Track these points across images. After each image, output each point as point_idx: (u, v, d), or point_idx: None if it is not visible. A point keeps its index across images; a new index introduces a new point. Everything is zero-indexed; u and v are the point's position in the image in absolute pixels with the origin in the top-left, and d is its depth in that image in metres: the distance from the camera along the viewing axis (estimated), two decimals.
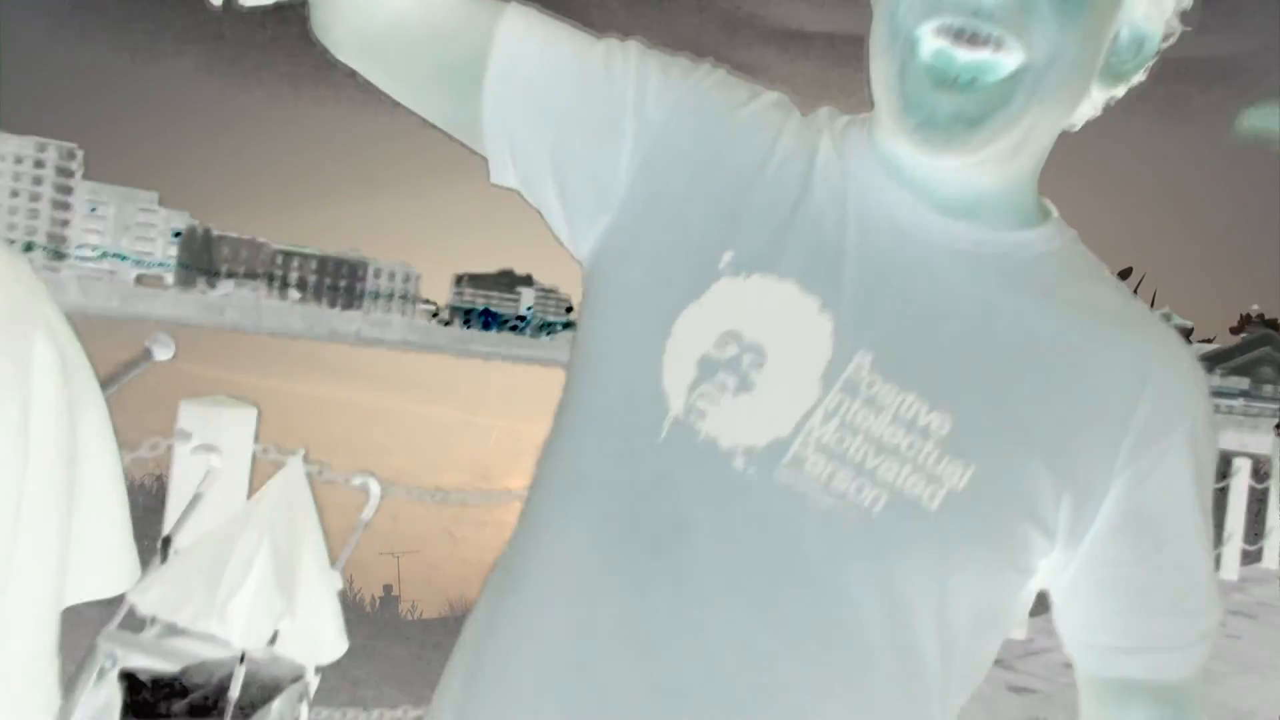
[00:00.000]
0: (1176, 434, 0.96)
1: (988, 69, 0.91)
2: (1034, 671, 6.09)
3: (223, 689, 2.79)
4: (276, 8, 0.89)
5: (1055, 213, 1.04)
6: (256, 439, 3.78)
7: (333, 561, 3.11)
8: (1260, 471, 11.40)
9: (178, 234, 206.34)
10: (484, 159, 1.07)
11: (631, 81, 1.02)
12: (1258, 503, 11.26)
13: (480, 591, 1.07)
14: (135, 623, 2.96)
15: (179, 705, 2.80)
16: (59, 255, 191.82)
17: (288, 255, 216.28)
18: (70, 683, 2.81)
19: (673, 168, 1.01)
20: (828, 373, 0.93)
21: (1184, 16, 1.01)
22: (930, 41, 0.91)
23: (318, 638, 2.93)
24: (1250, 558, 11.04)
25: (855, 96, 1.00)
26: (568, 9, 0.97)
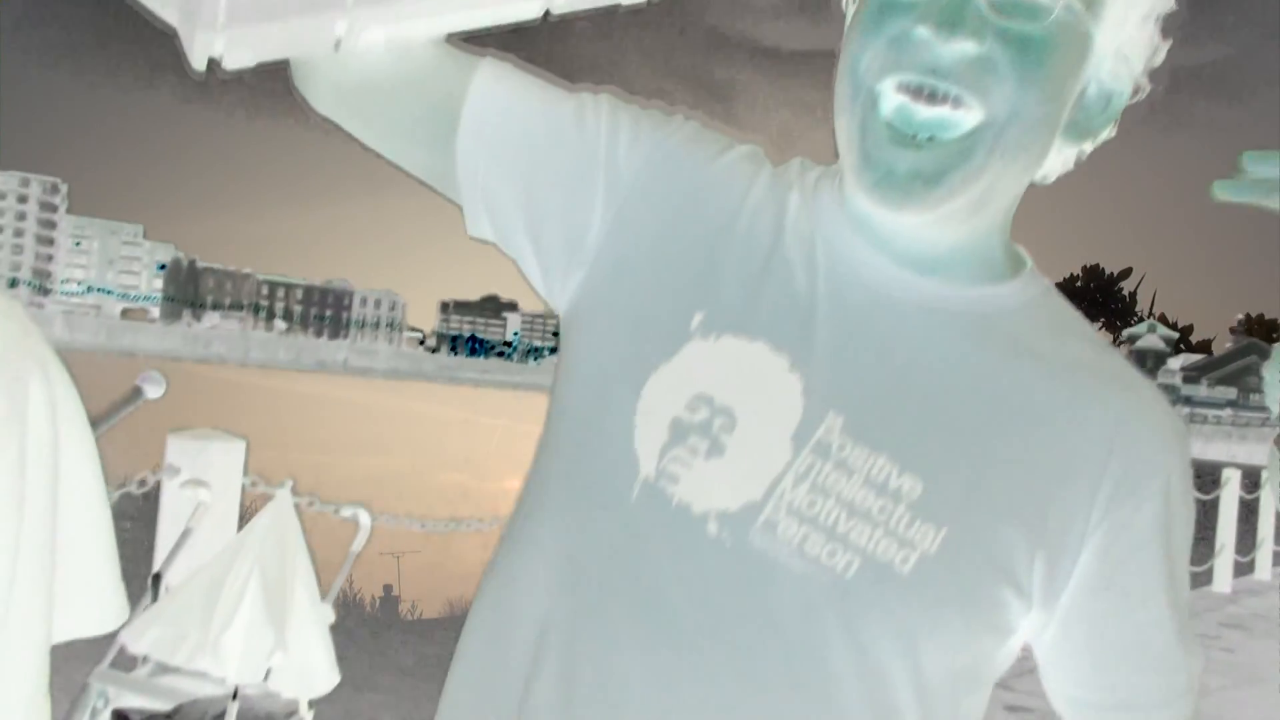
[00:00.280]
0: (1151, 489, 0.96)
1: (947, 126, 0.91)
2: (1032, 690, 6.07)
3: None
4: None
5: (1029, 263, 1.04)
6: (245, 471, 3.77)
7: (323, 594, 3.09)
8: (1250, 481, 11.42)
9: (163, 267, 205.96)
10: None
11: (603, 136, 1.02)
12: (1249, 513, 11.28)
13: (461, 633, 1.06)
14: (127, 661, 2.94)
15: None
16: (44, 291, 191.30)
17: (273, 286, 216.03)
18: None
19: (645, 223, 1.02)
20: (799, 433, 0.93)
21: (1169, 25, 1.00)
22: (891, 98, 0.91)
23: (311, 671, 2.91)
24: (1242, 569, 11.06)
25: (827, 113, 1.00)
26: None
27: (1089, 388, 0.98)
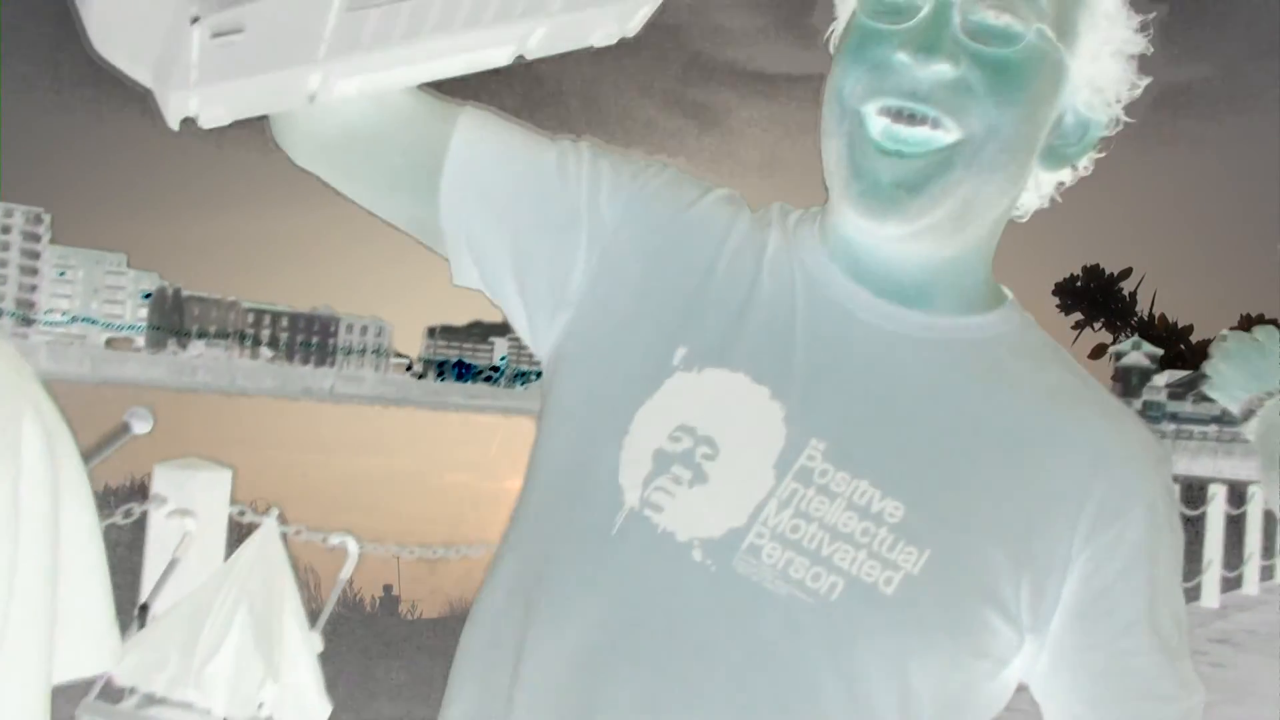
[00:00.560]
0: (1134, 513, 0.97)
1: (927, 143, 0.94)
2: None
3: None
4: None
5: (1010, 297, 1.06)
6: (232, 500, 3.76)
7: (312, 623, 3.08)
8: (1237, 496, 11.46)
9: (147, 295, 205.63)
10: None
11: (585, 184, 1.05)
12: (1235, 529, 11.31)
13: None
14: (114, 693, 2.92)
15: None
16: (27, 321, 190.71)
17: (259, 313, 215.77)
18: None
19: (626, 267, 1.04)
20: (780, 461, 0.95)
21: (1147, 46, 1.03)
22: (875, 120, 0.94)
23: (302, 702, 2.90)
24: (1230, 584, 11.08)
25: (812, 134, 1.03)
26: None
27: (1070, 413, 0.99)
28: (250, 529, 3.27)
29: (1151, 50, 1.03)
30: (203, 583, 2.98)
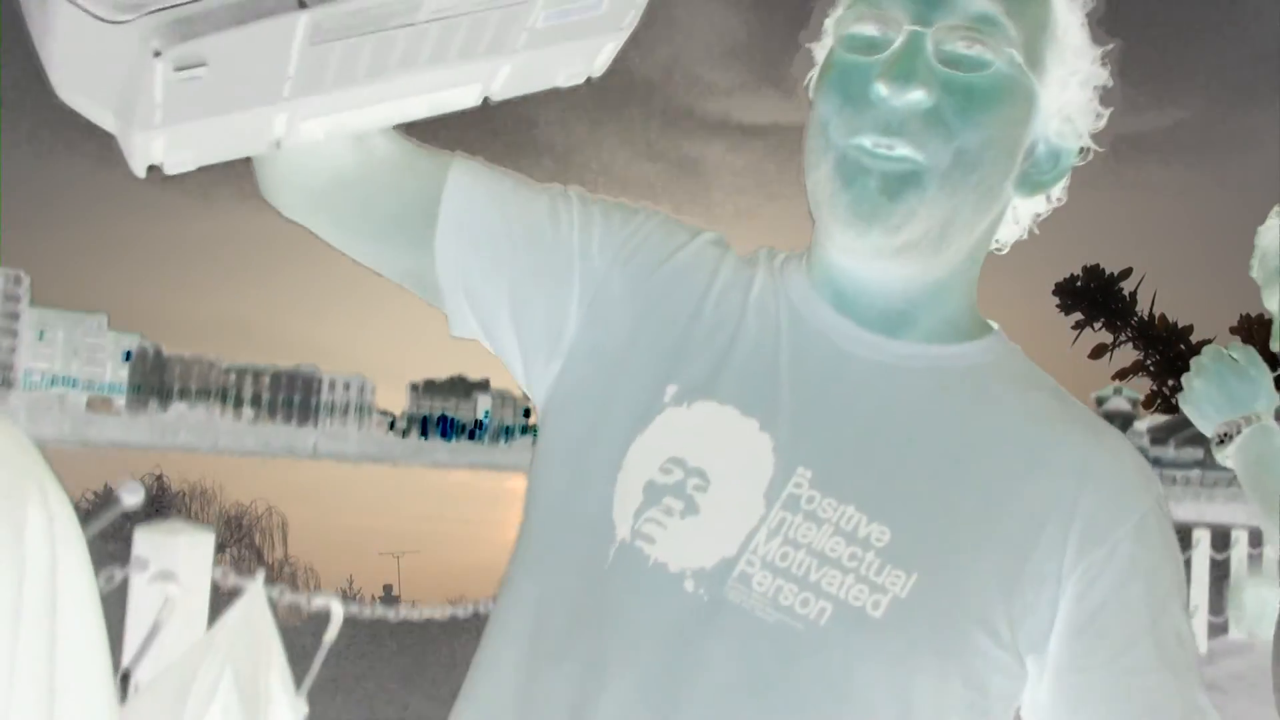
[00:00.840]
0: (1125, 528, 0.98)
1: (905, 154, 0.97)
2: None
3: None
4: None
5: (996, 327, 1.08)
6: (215, 563, 3.73)
7: (297, 686, 3.05)
8: (1221, 541, 11.46)
9: (128, 356, 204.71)
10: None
11: (577, 229, 1.08)
12: (1220, 573, 11.30)
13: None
14: None
15: None
16: (7, 384, 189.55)
17: (240, 373, 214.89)
18: None
19: (618, 311, 1.07)
20: (770, 490, 0.96)
21: (1109, 96, 1.08)
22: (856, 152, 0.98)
23: None
24: (1217, 630, 11.05)
25: (794, 184, 1.06)
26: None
27: (1054, 434, 1.01)
28: (233, 593, 3.24)
29: (1112, 83, 1.07)
30: (188, 650, 2.95)
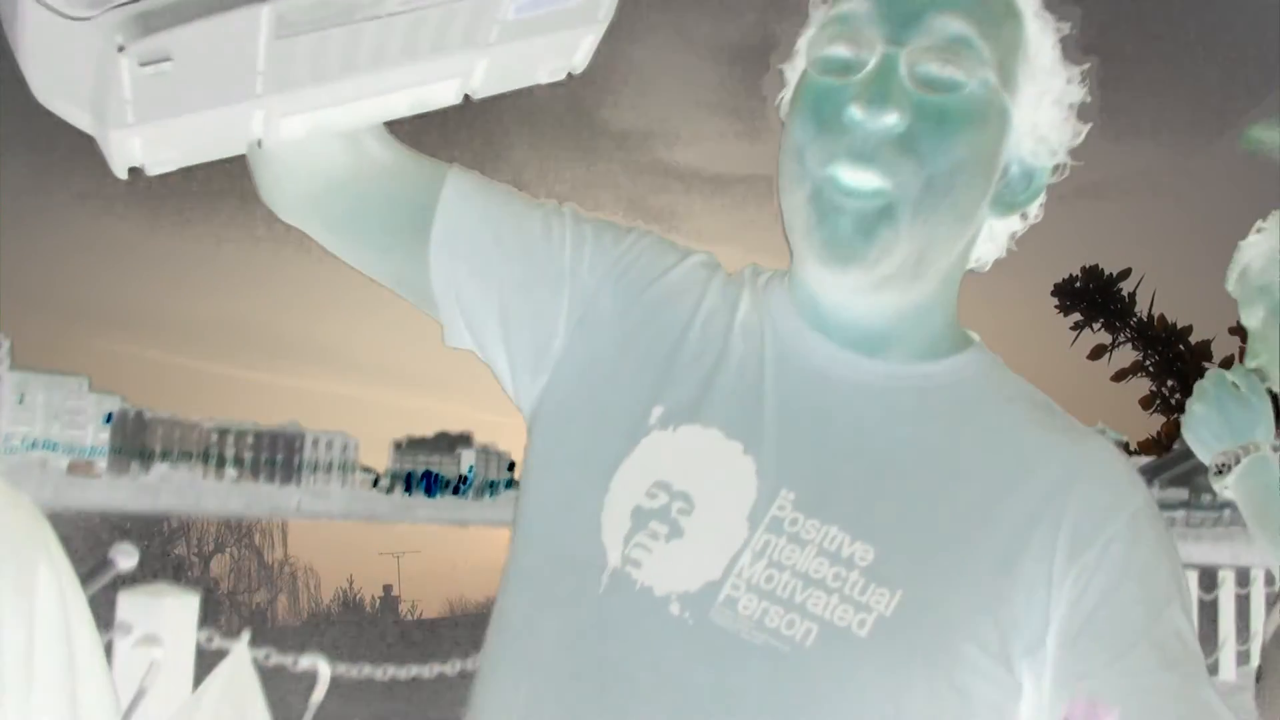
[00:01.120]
0: (1115, 527, 0.97)
1: (877, 188, 0.98)
2: None
3: None
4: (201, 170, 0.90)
5: (976, 339, 1.08)
6: (200, 625, 3.70)
7: None
8: (1208, 581, 11.46)
9: (109, 418, 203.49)
10: (405, 322, 1.11)
11: (569, 245, 1.09)
12: (1209, 615, 11.28)
13: None
14: None
15: None
16: None
17: (222, 432, 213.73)
18: None
19: (606, 329, 1.07)
20: (753, 513, 0.97)
21: (1084, 96, 1.08)
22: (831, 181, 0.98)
23: None
24: (1207, 670, 11.00)
25: (769, 233, 1.07)
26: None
27: (1037, 440, 1.02)
28: (219, 655, 3.22)
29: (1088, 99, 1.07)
30: (173, 715, 2.92)
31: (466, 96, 0.91)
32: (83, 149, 0.84)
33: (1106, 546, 0.97)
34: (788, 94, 1.09)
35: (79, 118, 0.83)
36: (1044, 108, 1.06)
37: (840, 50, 1.01)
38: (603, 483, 1.01)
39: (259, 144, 0.88)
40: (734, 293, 1.11)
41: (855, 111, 0.97)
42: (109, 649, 3.64)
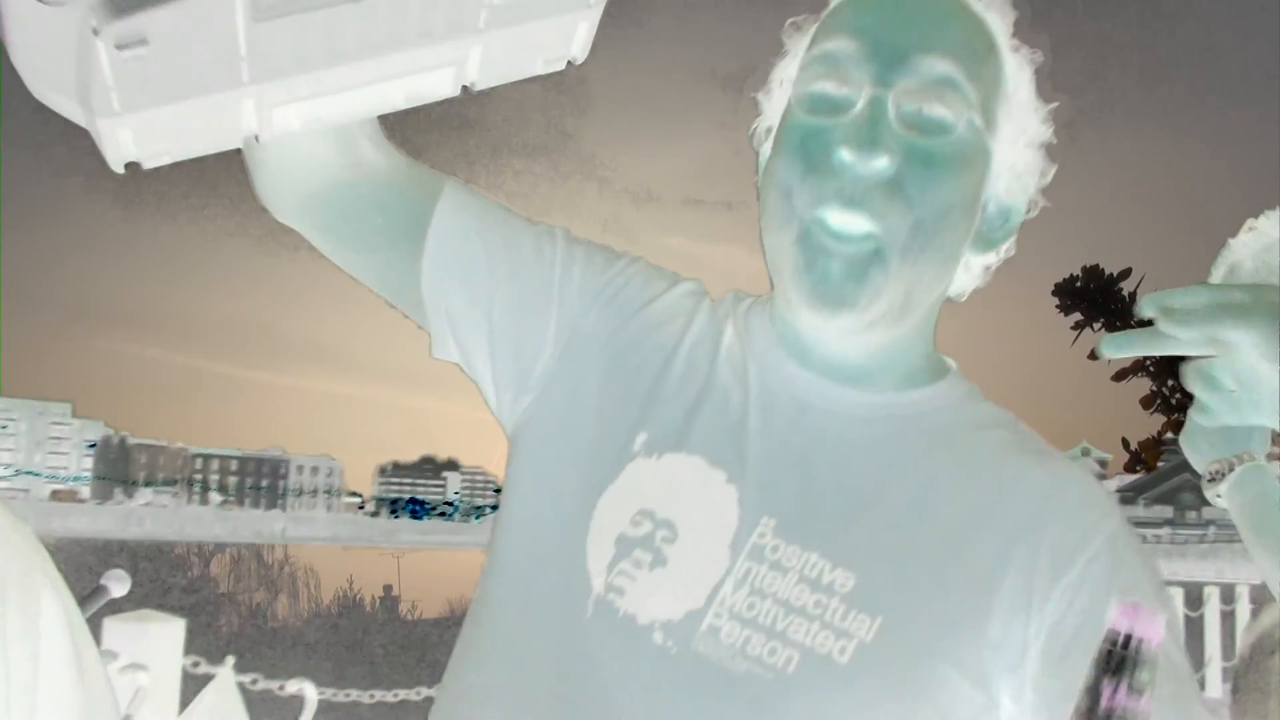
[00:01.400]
0: (1094, 548, 0.97)
1: (866, 232, 0.98)
2: None
3: None
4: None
5: (954, 368, 1.09)
6: (186, 651, 3.68)
7: None
8: (1194, 598, 11.47)
9: (92, 445, 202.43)
10: (406, 322, 1.12)
11: (559, 266, 1.09)
12: (1195, 631, 11.29)
13: None
14: None
15: None
16: None
17: (206, 458, 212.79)
18: None
19: (591, 354, 1.08)
20: (735, 541, 0.97)
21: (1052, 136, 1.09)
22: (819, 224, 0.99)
23: None
24: None
25: (743, 264, 1.07)
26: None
27: (1015, 466, 1.02)
28: (204, 680, 3.21)
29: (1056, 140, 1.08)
30: None
31: (465, 89, 0.90)
32: (85, 148, 0.83)
33: (1087, 567, 0.97)
34: (763, 123, 1.10)
35: (70, 109, 0.82)
36: (1020, 146, 1.06)
37: (826, 88, 1.00)
38: (587, 508, 1.01)
39: (256, 139, 0.87)
40: (718, 323, 1.11)
41: (845, 155, 0.97)
42: None
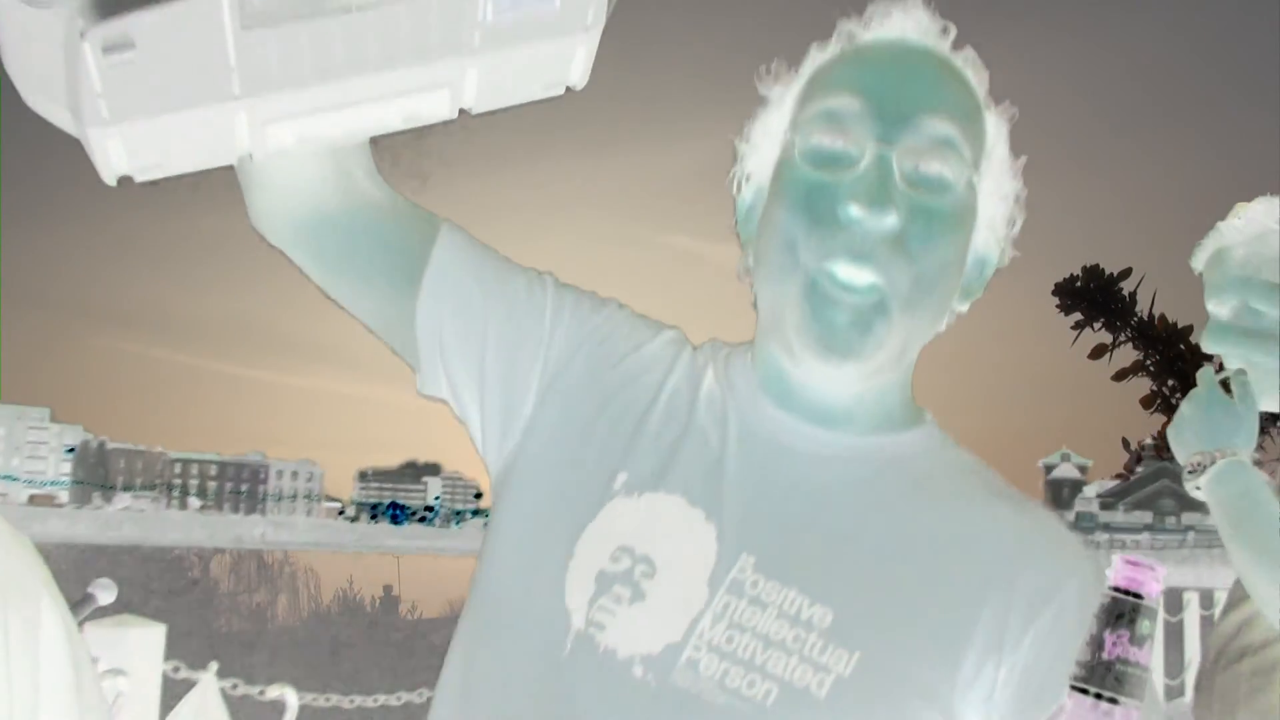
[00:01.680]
0: (1066, 594, 0.99)
1: (871, 284, 1.00)
2: None
3: None
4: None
5: (929, 417, 1.12)
6: (167, 657, 3.67)
7: None
8: (1174, 603, 11.53)
9: (71, 450, 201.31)
10: (365, 352, 1.12)
11: (549, 311, 1.11)
12: (1175, 637, 11.34)
13: None
14: None
15: None
16: None
17: (186, 463, 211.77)
18: None
19: (576, 397, 1.10)
20: (714, 576, 0.99)
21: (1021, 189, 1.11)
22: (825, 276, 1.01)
23: None
24: (1173, 692, 11.08)
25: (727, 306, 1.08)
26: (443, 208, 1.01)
27: (987, 513, 1.05)
28: (185, 686, 3.19)
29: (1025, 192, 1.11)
30: None
31: (463, 113, 0.89)
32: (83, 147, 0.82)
33: (1060, 613, 0.98)
34: (742, 170, 1.12)
35: (61, 117, 0.81)
36: (995, 200, 1.10)
37: (828, 141, 1.03)
38: (567, 546, 1.02)
39: (250, 157, 0.86)
40: (699, 370, 1.14)
41: (855, 210, 0.99)
42: None
